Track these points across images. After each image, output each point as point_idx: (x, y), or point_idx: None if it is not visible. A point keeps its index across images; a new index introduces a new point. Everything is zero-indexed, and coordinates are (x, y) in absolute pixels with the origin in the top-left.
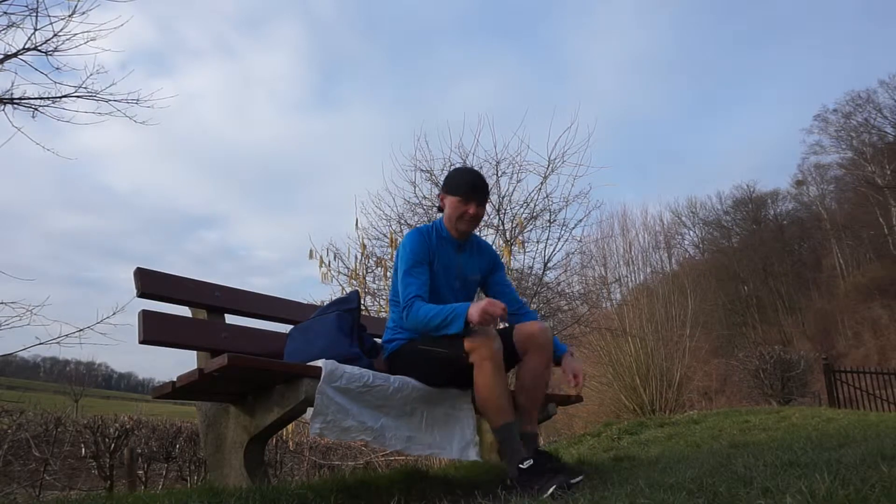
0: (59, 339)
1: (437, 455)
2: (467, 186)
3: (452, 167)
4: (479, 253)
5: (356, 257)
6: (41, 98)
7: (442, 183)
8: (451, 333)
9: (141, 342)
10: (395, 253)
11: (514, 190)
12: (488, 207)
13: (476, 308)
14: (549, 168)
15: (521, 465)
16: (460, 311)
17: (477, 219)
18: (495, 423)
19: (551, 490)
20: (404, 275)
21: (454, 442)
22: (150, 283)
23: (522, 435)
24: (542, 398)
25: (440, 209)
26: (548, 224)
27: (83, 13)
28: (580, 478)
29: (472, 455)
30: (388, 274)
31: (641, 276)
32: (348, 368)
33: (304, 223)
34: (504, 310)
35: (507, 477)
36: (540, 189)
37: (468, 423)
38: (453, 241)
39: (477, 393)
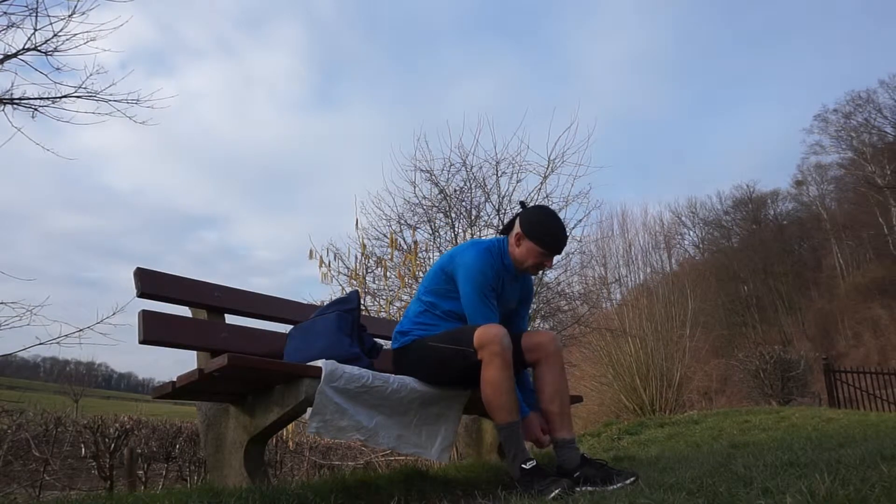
0: (59, 339)
1: (420, 455)
2: (553, 240)
3: (534, 210)
4: (524, 282)
5: (356, 257)
6: (41, 98)
7: (522, 219)
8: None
9: (141, 342)
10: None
11: (514, 190)
12: (488, 207)
13: (530, 428)
14: (549, 168)
15: (523, 465)
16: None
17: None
18: (499, 420)
19: (554, 493)
20: (477, 296)
21: (437, 443)
22: (150, 283)
23: (558, 442)
24: (568, 403)
25: (504, 233)
26: None
27: (83, 13)
28: (629, 480)
29: (446, 458)
30: (388, 274)
31: (641, 276)
32: (348, 368)
33: (305, 223)
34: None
35: (510, 476)
36: (540, 189)
37: (452, 425)
38: (513, 272)
39: (483, 389)
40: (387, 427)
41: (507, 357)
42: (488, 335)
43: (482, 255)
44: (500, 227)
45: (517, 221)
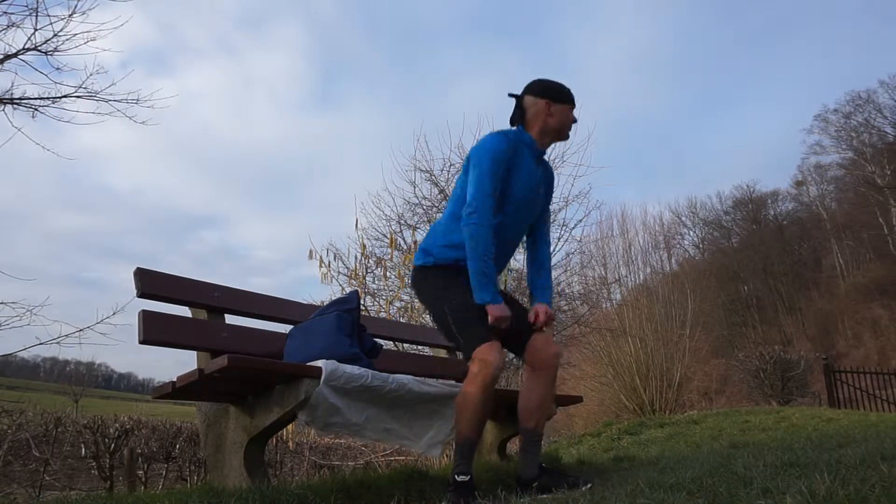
0: (59, 339)
1: (407, 447)
2: (572, 95)
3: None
4: (547, 170)
5: (356, 257)
6: (41, 98)
7: (538, 92)
8: (472, 286)
9: (141, 342)
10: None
11: None
12: None
13: (495, 311)
14: None
15: (457, 477)
16: (493, 289)
17: None
18: (460, 430)
19: None
20: (487, 176)
21: (426, 437)
22: (150, 283)
23: (525, 431)
24: (546, 416)
25: (522, 117)
26: None
27: (83, 13)
28: (585, 486)
29: (435, 453)
30: (388, 274)
31: (641, 277)
32: (348, 368)
33: (304, 223)
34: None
35: (510, 476)
36: None
37: (448, 424)
38: (537, 150)
39: (458, 397)
40: (376, 421)
41: (491, 381)
42: (487, 359)
43: (497, 134)
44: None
45: (528, 101)
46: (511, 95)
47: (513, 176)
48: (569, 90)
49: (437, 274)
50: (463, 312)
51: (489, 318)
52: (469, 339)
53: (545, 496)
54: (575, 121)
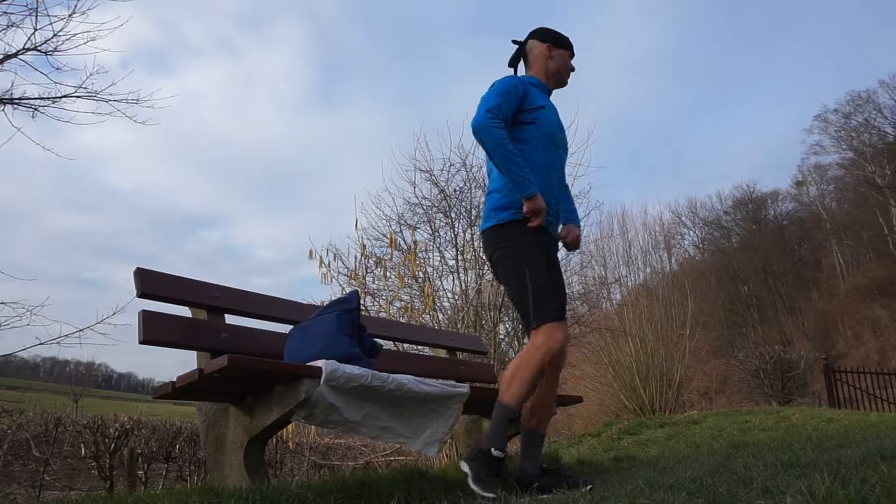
0: (59, 339)
1: (403, 444)
2: (572, 44)
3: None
4: (553, 109)
5: (356, 258)
6: (41, 98)
7: (540, 38)
8: (512, 181)
9: (141, 342)
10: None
11: None
12: None
13: (532, 203)
14: None
15: (493, 451)
16: (533, 181)
17: None
18: (506, 401)
19: (485, 495)
20: (493, 96)
21: (423, 435)
22: (150, 283)
23: (527, 431)
24: (548, 416)
25: (523, 59)
26: None
27: (83, 13)
28: (586, 488)
29: (432, 452)
30: (388, 274)
31: (641, 277)
32: (348, 368)
33: (304, 223)
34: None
35: (510, 476)
36: None
37: (446, 423)
38: (546, 89)
39: (515, 364)
40: (373, 419)
41: (551, 358)
42: (555, 335)
43: (506, 78)
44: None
45: (531, 45)
46: (514, 42)
47: (538, 112)
48: (568, 38)
49: (511, 233)
50: (541, 281)
51: (524, 207)
52: (542, 309)
53: (545, 496)
54: (573, 69)
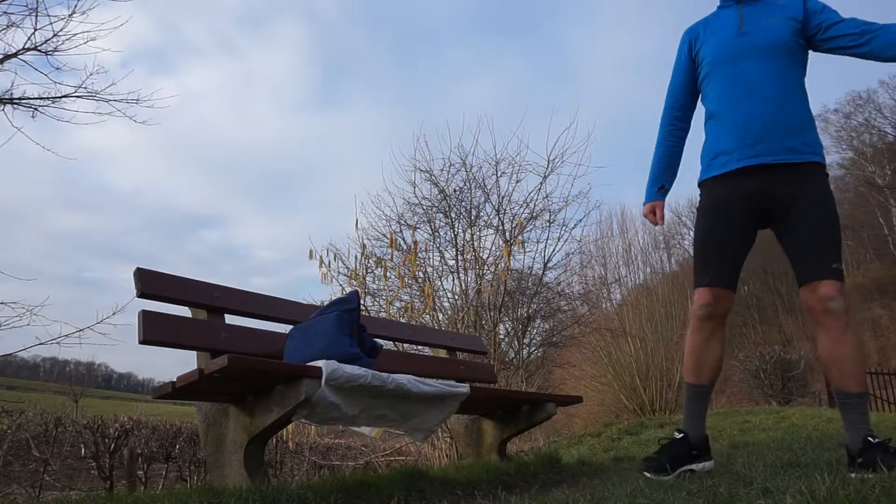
0: (59, 339)
1: (392, 428)
2: None
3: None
4: (767, 3)
5: (356, 258)
6: (41, 98)
7: None
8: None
9: (141, 342)
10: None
11: (513, 190)
12: (488, 207)
13: (647, 208)
14: (549, 168)
15: (677, 434)
16: (651, 189)
17: None
18: (686, 378)
19: (644, 473)
20: (668, 89)
21: (412, 420)
22: (150, 283)
23: (838, 394)
24: (850, 370)
25: None
26: (547, 224)
27: (83, 13)
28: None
29: (418, 438)
30: (388, 274)
31: (641, 277)
32: (348, 368)
33: (305, 223)
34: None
35: (510, 476)
36: (539, 189)
37: (438, 414)
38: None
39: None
40: (370, 409)
41: (697, 326)
42: (697, 302)
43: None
44: (499, 227)
45: None
46: None
47: (706, 51)
48: None
49: (702, 197)
50: (698, 244)
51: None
52: (696, 275)
53: (862, 475)
54: None
